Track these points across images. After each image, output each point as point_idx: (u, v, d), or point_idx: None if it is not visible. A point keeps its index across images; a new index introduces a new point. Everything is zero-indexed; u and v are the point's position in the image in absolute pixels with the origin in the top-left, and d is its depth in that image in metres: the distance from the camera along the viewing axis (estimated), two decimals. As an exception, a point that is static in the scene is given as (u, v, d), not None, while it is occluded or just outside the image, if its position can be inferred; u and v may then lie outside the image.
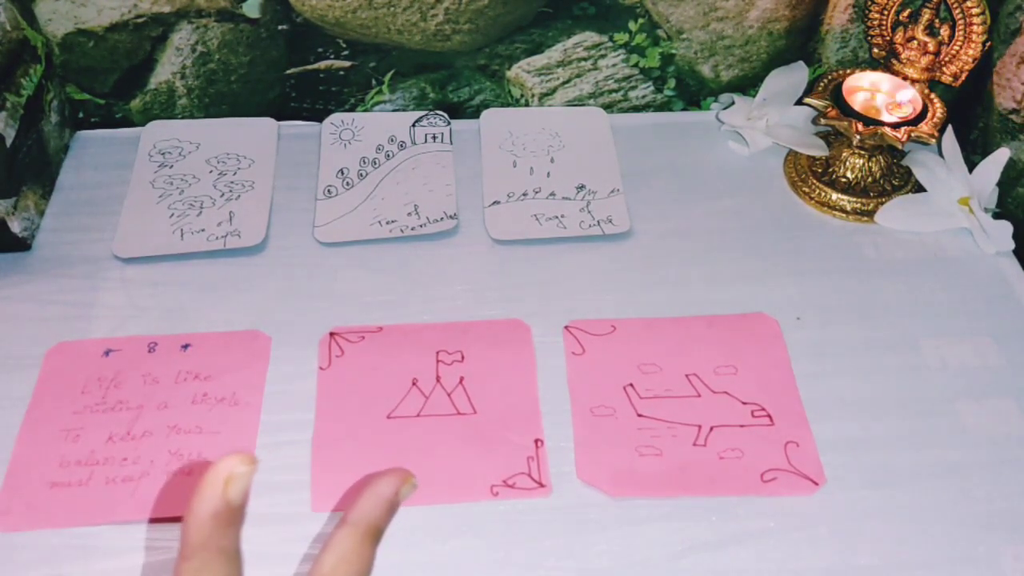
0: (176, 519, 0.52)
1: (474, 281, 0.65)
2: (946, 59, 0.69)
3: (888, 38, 0.71)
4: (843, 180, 0.71)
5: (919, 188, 0.70)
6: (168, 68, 0.73)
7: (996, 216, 0.69)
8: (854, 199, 0.70)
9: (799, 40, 0.75)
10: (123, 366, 0.59)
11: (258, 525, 0.51)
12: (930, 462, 0.55)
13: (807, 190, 0.71)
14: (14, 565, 0.50)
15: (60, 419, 0.56)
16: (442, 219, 0.68)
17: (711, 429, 0.56)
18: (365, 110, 0.77)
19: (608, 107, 0.78)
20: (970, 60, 0.68)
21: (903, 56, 0.69)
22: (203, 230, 0.67)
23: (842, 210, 0.70)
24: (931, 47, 0.68)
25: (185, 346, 0.60)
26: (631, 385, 0.59)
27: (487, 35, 0.74)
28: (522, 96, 0.78)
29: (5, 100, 0.64)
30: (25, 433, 0.56)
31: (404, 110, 0.78)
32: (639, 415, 0.57)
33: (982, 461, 0.55)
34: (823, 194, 0.71)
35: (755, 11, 0.73)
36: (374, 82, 0.76)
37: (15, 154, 0.65)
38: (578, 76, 0.77)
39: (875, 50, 0.72)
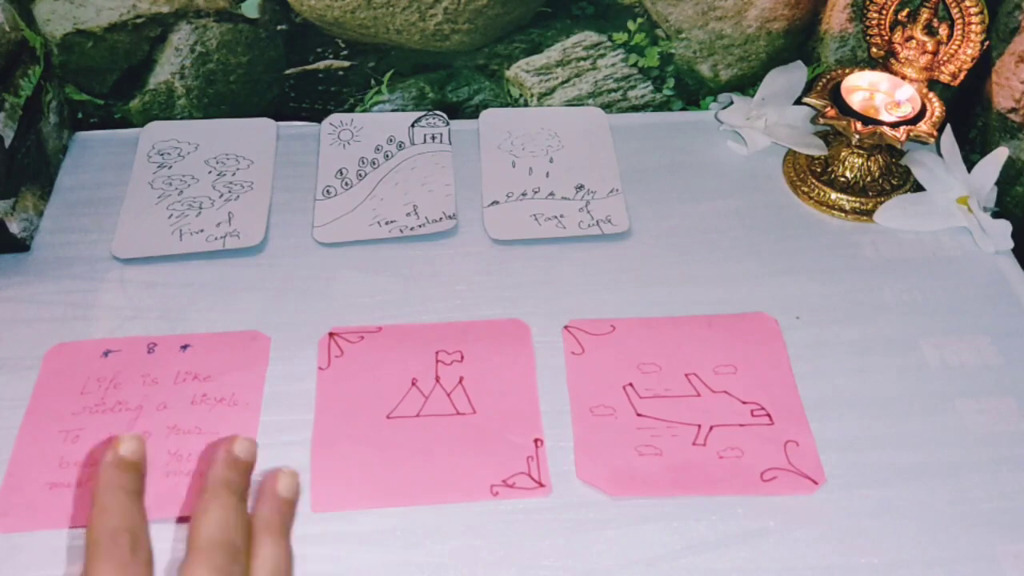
0: (176, 519, 0.52)
1: (473, 281, 0.65)
2: (945, 58, 0.69)
3: (887, 37, 0.71)
4: (842, 179, 0.71)
5: (918, 187, 0.70)
6: (167, 68, 0.73)
7: (995, 215, 0.69)
8: (853, 198, 0.70)
9: (798, 39, 0.75)
10: (122, 367, 0.59)
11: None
12: (930, 462, 0.55)
13: (806, 189, 0.71)
14: (14, 565, 0.50)
15: (60, 420, 0.56)
16: (441, 219, 0.68)
17: (711, 428, 0.56)
18: (364, 110, 0.77)
19: (607, 107, 0.78)
20: (969, 59, 0.68)
21: (902, 55, 0.69)
22: (202, 231, 0.67)
23: (841, 209, 0.70)
24: (930, 46, 0.68)
25: (184, 347, 0.60)
26: (630, 385, 0.59)
27: (486, 35, 0.74)
28: (521, 96, 0.78)
29: (4, 101, 0.64)
30: (25, 434, 0.56)
31: (403, 110, 0.78)
32: (639, 415, 0.57)
33: (982, 461, 0.55)
34: (822, 193, 0.71)
35: (754, 10, 0.73)
36: (373, 82, 0.76)
37: (14, 155, 0.65)
38: (577, 76, 0.77)
39: (874, 49, 0.72)
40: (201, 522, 0.39)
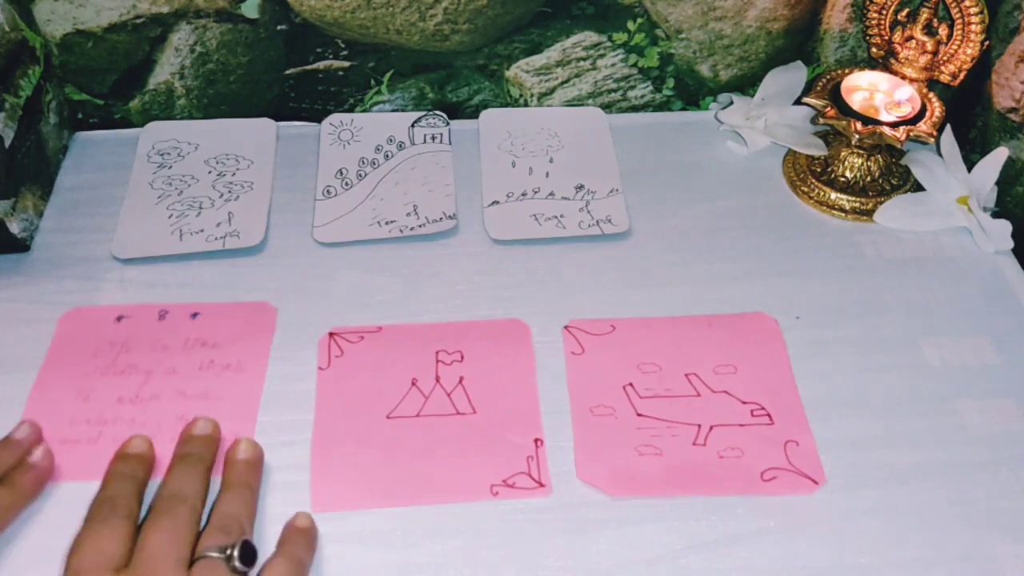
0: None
1: (473, 281, 0.65)
2: (944, 58, 0.69)
3: (886, 37, 0.71)
4: (842, 179, 0.71)
5: (918, 187, 0.70)
6: (167, 68, 0.73)
7: (995, 215, 0.69)
8: (853, 198, 0.70)
9: (798, 39, 0.75)
10: (133, 332, 0.61)
11: (257, 525, 0.51)
12: (930, 462, 0.55)
13: (806, 189, 0.71)
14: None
15: (72, 380, 0.58)
16: (441, 219, 0.68)
17: (711, 428, 0.56)
18: (364, 110, 0.77)
19: (607, 107, 0.78)
20: (968, 59, 0.68)
21: (901, 55, 0.69)
22: (202, 231, 0.67)
23: (841, 209, 0.70)
24: (929, 46, 0.68)
25: (194, 315, 0.62)
26: (631, 385, 0.59)
27: (486, 35, 0.74)
28: (521, 96, 0.78)
29: (4, 101, 0.64)
30: (37, 393, 0.57)
31: (403, 110, 0.78)
32: (639, 415, 0.57)
33: (982, 461, 0.55)
34: (822, 193, 0.71)
35: (754, 10, 0.73)
36: (373, 82, 0.76)
37: (14, 155, 0.65)
38: (577, 76, 0.77)
39: (873, 49, 0.72)
40: (162, 484, 0.49)
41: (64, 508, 0.52)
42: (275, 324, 0.62)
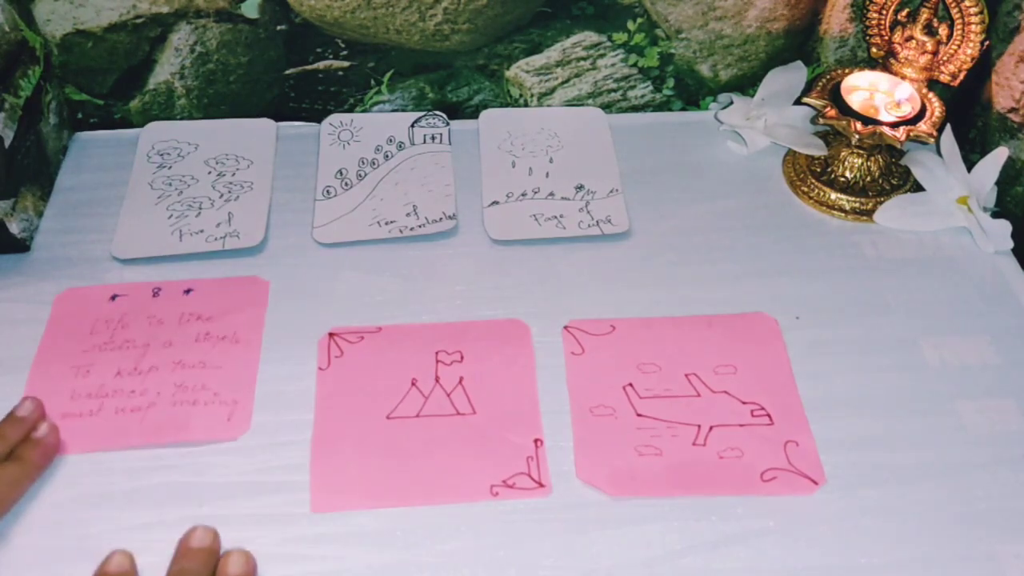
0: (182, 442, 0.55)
1: (473, 281, 0.65)
2: (944, 58, 0.69)
3: (886, 37, 0.71)
4: (842, 179, 0.71)
5: (918, 187, 0.70)
6: (167, 69, 0.73)
7: (995, 215, 0.69)
8: (853, 198, 0.70)
9: (798, 39, 0.75)
10: (129, 309, 0.62)
11: (258, 525, 0.51)
12: (930, 462, 0.55)
13: (806, 189, 0.71)
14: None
15: (70, 357, 0.59)
16: (441, 219, 0.68)
17: (711, 429, 0.56)
18: (364, 110, 0.77)
19: (607, 107, 0.78)
20: (968, 59, 0.68)
21: (901, 55, 0.69)
22: (202, 231, 0.67)
23: (841, 209, 0.70)
24: (929, 46, 0.68)
25: (188, 291, 0.63)
26: (630, 385, 0.59)
27: (486, 35, 0.74)
28: (521, 96, 0.78)
29: (4, 101, 0.64)
30: (37, 370, 0.58)
31: (403, 110, 0.78)
32: (638, 415, 0.57)
33: (982, 461, 0.55)
34: (822, 193, 0.71)
35: (754, 10, 0.73)
36: (373, 82, 0.76)
37: (14, 155, 0.65)
38: (577, 76, 0.77)
39: (873, 49, 0.72)
40: None
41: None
42: (268, 296, 0.63)
